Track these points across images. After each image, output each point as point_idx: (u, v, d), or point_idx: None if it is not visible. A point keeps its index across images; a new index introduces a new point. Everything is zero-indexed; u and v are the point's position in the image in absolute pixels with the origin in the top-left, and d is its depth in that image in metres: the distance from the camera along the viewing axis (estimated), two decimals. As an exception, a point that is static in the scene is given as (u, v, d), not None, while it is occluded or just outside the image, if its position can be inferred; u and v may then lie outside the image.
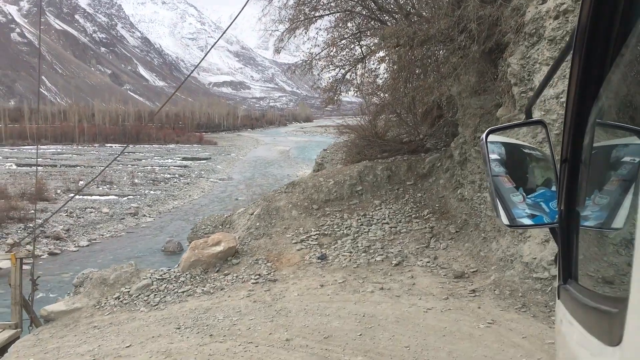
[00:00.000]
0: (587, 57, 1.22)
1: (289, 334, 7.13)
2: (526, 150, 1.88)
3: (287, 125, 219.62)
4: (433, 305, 7.70)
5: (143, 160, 77.15)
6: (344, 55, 14.09)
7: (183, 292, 9.40)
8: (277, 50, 14.69)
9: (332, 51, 13.80)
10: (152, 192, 49.29)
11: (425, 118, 15.65)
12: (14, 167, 67.39)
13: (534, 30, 7.93)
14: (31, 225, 34.48)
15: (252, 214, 12.40)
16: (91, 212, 39.04)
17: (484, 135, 1.69)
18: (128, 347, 7.37)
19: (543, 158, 1.76)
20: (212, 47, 10.27)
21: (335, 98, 14.42)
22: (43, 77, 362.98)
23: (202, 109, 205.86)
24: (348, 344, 6.61)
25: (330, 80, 14.49)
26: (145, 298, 9.29)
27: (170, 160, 78.87)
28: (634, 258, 0.82)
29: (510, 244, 8.73)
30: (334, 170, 14.19)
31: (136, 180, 55.08)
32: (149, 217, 39.01)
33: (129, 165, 68.48)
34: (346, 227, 11.51)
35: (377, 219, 11.68)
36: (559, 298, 1.46)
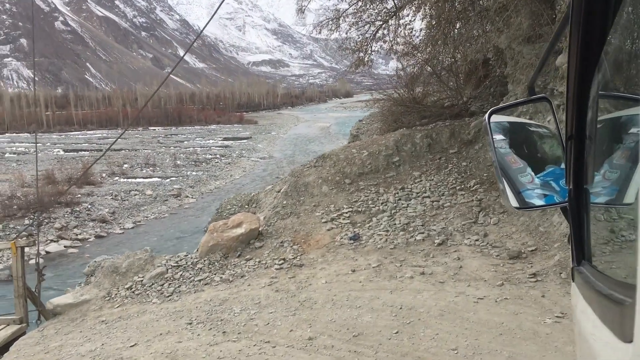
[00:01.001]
0: (586, 27, 1.14)
1: (313, 331, 6.02)
2: (532, 128, 1.80)
3: (327, 102, 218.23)
4: (485, 293, 6.41)
5: (185, 142, 78.01)
6: (374, 8, 12.58)
7: (199, 280, 8.43)
8: (301, 10, 13.36)
9: (360, 5, 12.32)
10: (194, 173, 49.45)
11: (468, 78, 14.11)
12: (62, 152, 68.91)
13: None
14: (78, 209, 34.99)
15: (279, 192, 11.31)
16: (135, 195, 39.43)
17: (486, 116, 1.61)
18: (133, 346, 6.46)
19: (550, 135, 1.70)
20: (189, 49, 9.08)
21: (367, 59, 12.99)
22: (87, 64, 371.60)
23: (242, 88, 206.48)
24: (381, 345, 5.45)
25: (359, 39, 13.03)
26: (159, 288, 8.38)
27: (211, 141, 79.42)
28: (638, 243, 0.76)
29: (576, 216, 7.27)
30: (368, 141, 12.89)
31: (178, 162, 55.46)
32: (192, 198, 39.13)
33: (172, 147, 69.48)
34: (382, 203, 10.27)
35: (417, 193, 10.37)
36: (573, 281, 1.37)
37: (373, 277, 7.50)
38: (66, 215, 33.18)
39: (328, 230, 9.59)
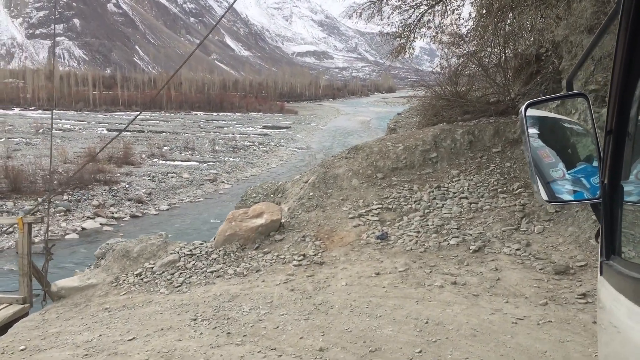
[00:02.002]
0: (635, 21, 1.14)
1: (325, 341, 5.34)
2: (566, 125, 1.82)
3: (369, 96, 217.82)
4: (526, 313, 5.59)
5: (225, 128, 78.87)
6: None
7: (212, 272, 7.86)
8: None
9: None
10: (231, 159, 50.02)
11: (518, 74, 13.09)
12: (105, 131, 70.36)
13: None
14: (116, 188, 35.41)
15: (306, 182, 10.65)
16: (172, 177, 40.13)
17: (522, 108, 1.62)
18: (130, 340, 5.93)
19: (584, 133, 1.69)
20: (202, 40, 8.42)
21: (408, 46, 12.11)
22: (136, 47, 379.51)
23: (285, 78, 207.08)
24: (401, 365, 4.72)
25: (401, 24, 12.15)
26: (169, 277, 7.85)
27: (251, 129, 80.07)
28: None
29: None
30: (404, 134, 12.08)
31: (217, 147, 56.17)
32: (227, 183, 39.47)
33: (211, 132, 70.24)
34: (415, 201, 9.48)
35: (454, 193, 9.54)
36: (601, 275, 1.40)
37: (398, 282, 6.76)
38: (104, 193, 33.77)
39: (354, 226, 8.88)
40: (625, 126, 1.24)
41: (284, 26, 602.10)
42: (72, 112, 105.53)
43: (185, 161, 47.55)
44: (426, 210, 9.20)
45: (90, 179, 35.07)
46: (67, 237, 25.56)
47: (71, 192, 32.96)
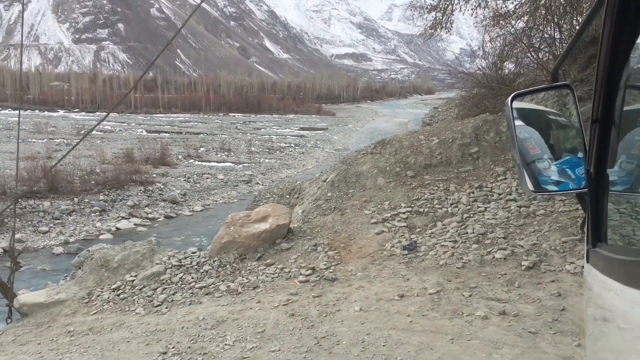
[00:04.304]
0: (619, 15, 1.16)
1: (322, 396, 3.84)
2: (552, 117, 1.85)
3: (408, 98, 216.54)
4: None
5: (262, 129, 79.09)
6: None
7: (200, 287, 6.48)
8: None
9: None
10: (267, 160, 50.44)
11: (574, 58, 11.30)
12: (144, 133, 70.97)
13: None
14: (151, 188, 35.12)
15: (324, 181, 9.17)
16: (207, 178, 40.04)
17: (508, 100, 1.64)
18: (80, 379, 4.57)
19: (569, 124, 1.72)
20: (168, 44, 7.05)
21: (445, 21, 10.44)
22: (178, 50, 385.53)
23: (323, 80, 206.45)
24: None
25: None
26: (150, 293, 6.51)
27: (287, 130, 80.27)
28: None
29: None
30: (440, 126, 10.46)
31: (253, 149, 56.14)
32: (262, 185, 38.84)
33: (248, 134, 70.28)
34: (451, 204, 7.88)
35: (499, 194, 7.89)
36: (588, 262, 1.44)
37: (428, 309, 5.18)
38: (139, 194, 33.49)
39: (377, 233, 7.34)
40: (611, 115, 1.27)
41: (322, 29, 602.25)
42: (114, 114, 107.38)
43: (220, 162, 47.45)
44: (465, 215, 7.58)
45: (127, 179, 35.02)
46: (101, 237, 25.43)
47: (107, 192, 32.99)
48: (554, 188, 1.55)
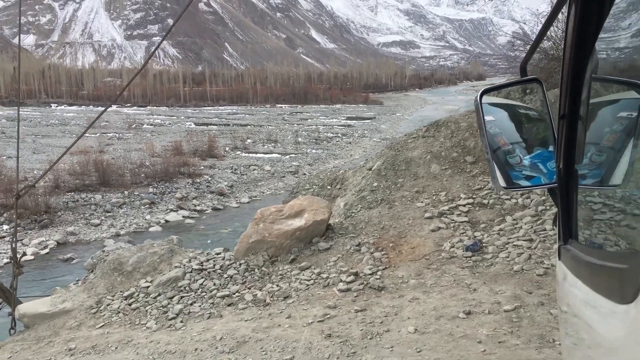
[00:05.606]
0: (583, 7, 1.14)
1: None
2: (522, 110, 1.83)
3: (457, 84, 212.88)
4: None
5: (309, 120, 79.43)
6: None
7: (223, 297, 5.53)
8: None
9: None
10: (314, 151, 50.89)
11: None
12: (193, 125, 71.84)
13: None
14: (198, 180, 35.18)
15: (370, 169, 8.01)
16: (254, 170, 40.32)
17: (477, 95, 1.62)
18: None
19: (539, 118, 1.71)
20: (157, 47, 5.95)
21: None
22: (226, 44, 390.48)
23: (370, 69, 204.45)
24: None
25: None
26: (165, 303, 5.62)
27: (334, 120, 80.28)
28: None
29: None
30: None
31: (300, 139, 56.43)
32: (309, 175, 38.31)
33: (295, 125, 70.43)
34: (522, 194, 6.56)
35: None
36: (559, 259, 1.42)
37: (506, 333, 3.98)
38: (187, 186, 33.75)
39: (432, 230, 6.18)
40: (577, 110, 1.25)
41: (369, 17, 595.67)
42: (164, 107, 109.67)
43: (267, 153, 47.67)
44: (540, 208, 6.32)
45: (175, 172, 35.31)
46: (150, 229, 26.01)
47: (156, 185, 33.42)
48: (526, 183, 1.54)
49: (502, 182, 1.50)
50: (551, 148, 1.49)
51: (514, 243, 5.80)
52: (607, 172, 1.20)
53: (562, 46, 1.25)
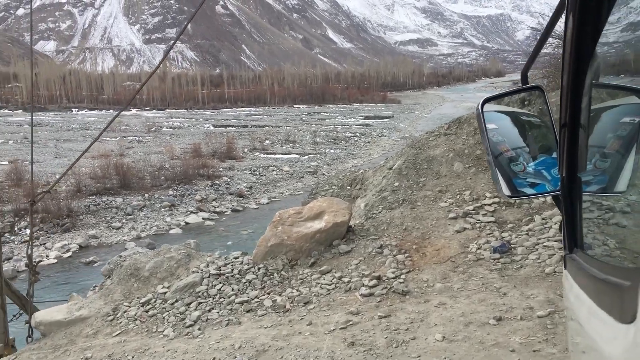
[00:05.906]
0: (582, 14, 1.15)
1: None
2: (524, 118, 1.83)
3: (476, 81, 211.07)
4: None
5: (326, 120, 79.58)
6: None
7: (241, 302, 5.37)
8: None
9: None
10: (332, 150, 50.97)
11: None
12: (211, 127, 72.36)
13: None
14: (218, 182, 35.38)
15: (390, 169, 7.80)
16: (273, 171, 40.52)
17: (479, 105, 1.63)
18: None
19: (542, 125, 1.72)
20: (172, 47, 5.78)
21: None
22: (243, 46, 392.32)
23: (387, 68, 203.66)
24: None
25: None
26: (183, 309, 5.48)
27: (352, 119, 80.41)
28: None
29: None
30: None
31: (318, 139, 56.58)
32: (327, 175, 38.32)
33: (313, 125, 70.65)
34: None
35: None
36: (565, 268, 1.42)
37: (540, 341, 3.76)
38: (206, 188, 34.04)
39: (457, 231, 5.95)
40: (578, 118, 1.25)
41: (385, 16, 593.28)
42: (183, 110, 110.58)
43: (286, 154, 47.86)
44: (571, 206, 5.95)
45: (194, 174, 35.56)
46: (171, 232, 26.21)
47: (176, 187, 33.74)
48: (531, 191, 1.52)
49: (506, 191, 1.50)
50: (555, 155, 1.48)
51: (544, 244, 5.53)
52: (611, 179, 1.20)
53: (562, 53, 1.25)
